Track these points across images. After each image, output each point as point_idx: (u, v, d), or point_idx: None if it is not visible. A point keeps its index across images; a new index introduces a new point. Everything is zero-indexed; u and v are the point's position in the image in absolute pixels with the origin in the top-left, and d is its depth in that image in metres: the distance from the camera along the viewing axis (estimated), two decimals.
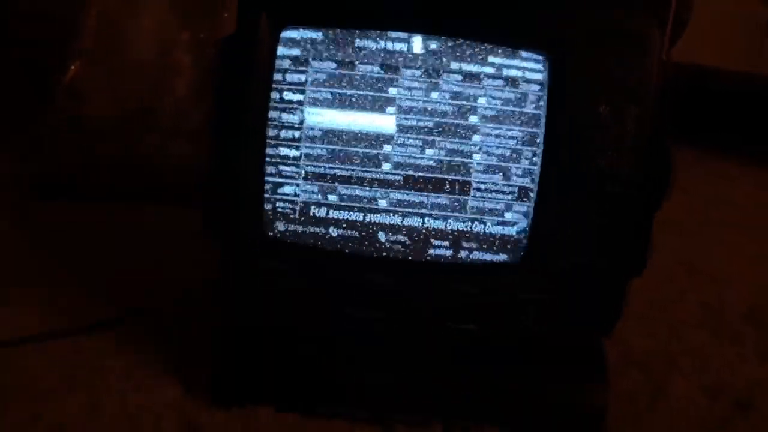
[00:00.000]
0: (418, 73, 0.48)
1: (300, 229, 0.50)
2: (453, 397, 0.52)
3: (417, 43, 0.48)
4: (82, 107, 0.88)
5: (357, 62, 0.48)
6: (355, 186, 0.50)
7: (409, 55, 0.48)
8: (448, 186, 0.49)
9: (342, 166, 0.49)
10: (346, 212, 0.50)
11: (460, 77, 0.49)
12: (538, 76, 0.48)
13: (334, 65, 0.49)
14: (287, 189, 0.50)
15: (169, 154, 0.87)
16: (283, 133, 0.49)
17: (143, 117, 0.87)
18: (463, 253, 0.50)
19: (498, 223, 0.50)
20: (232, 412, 0.51)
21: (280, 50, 0.49)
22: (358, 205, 0.50)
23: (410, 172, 0.49)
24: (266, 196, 0.50)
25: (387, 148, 0.49)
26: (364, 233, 0.50)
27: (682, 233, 0.86)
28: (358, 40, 0.48)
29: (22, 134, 0.91)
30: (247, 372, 0.52)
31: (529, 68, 0.48)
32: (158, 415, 0.51)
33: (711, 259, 0.81)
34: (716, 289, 0.74)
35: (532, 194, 0.49)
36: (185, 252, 0.69)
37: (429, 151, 0.49)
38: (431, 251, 0.50)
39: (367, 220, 0.50)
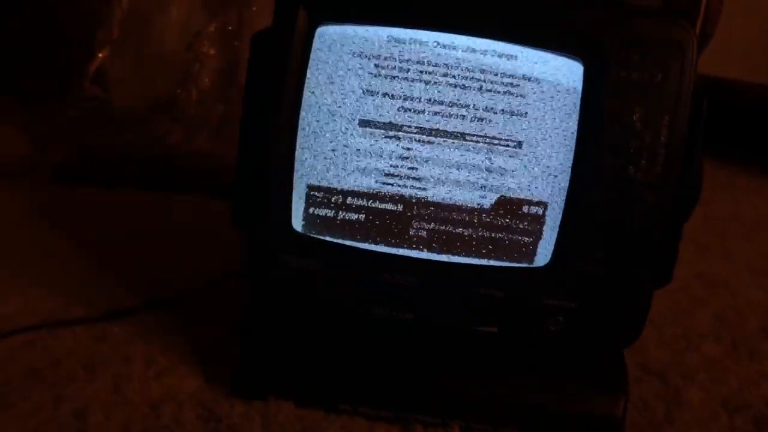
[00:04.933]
0: (454, 74, 0.49)
1: (328, 224, 0.50)
2: (472, 400, 0.52)
3: (455, 43, 0.48)
4: (107, 96, 0.89)
5: (393, 60, 0.49)
6: (388, 181, 0.50)
7: (447, 56, 0.48)
8: (478, 190, 0.50)
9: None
10: (376, 205, 0.50)
11: (495, 79, 0.49)
12: (573, 81, 0.48)
13: (369, 62, 0.49)
14: (318, 184, 0.50)
15: (193, 145, 0.88)
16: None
17: (168, 107, 0.88)
18: (490, 257, 0.50)
19: (527, 228, 0.50)
20: (253, 405, 0.51)
21: (316, 45, 0.49)
22: (386, 206, 0.50)
23: (442, 175, 0.49)
24: (295, 190, 0.50)
25: (419, 147, 0.49)
26: (392, 228, 0.50)
27: (699, 245, 0.86)
28: (395, 37, 0.48)
29: (48, 120, 0.92)
30: (269, 365, 0.52)
31: (563, 73, 0.48)
32: (179, 403, 0.51)
33: (728, 272, 0.81)
34: (733, 302, 0.74)
35: (561, 200, 0.49)
36: (209, 242, 0.70)
37: (457, 152, 0.49)
38: (459, 252, 0.50)
39: (396, 213, 0.50)
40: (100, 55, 0.89)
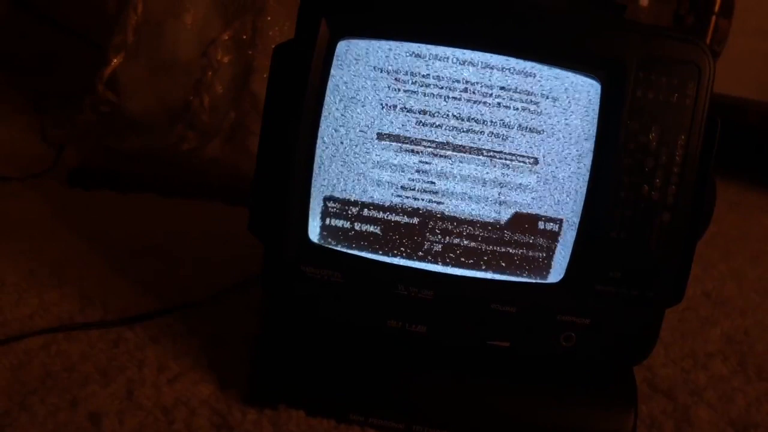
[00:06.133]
0: (473, 90, 0.49)
1: (344, 235, 0.51)
2: (482, 414, 0.52)
3: (474, 59, 0.49)
4: (120, 101, 0.89)
5: (412, 75, 0.49)
6: (405, 194, 0.50)
7: (466, 72, 0.49)
8: (494, 205, 0.50)
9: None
10: (392, 218, 0.51)
11: (513, 96, 0.49)
12: (590, 100, 0.49)
13: (389, 77, 0.49)
14: (335, 195, 0.51)
15: (206, 151, 0.89)
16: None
17: (181, 113, 0.89)
18: (504, 272, 0.51)
19: (541, 244, 0.50)
20: (264, 413, 0.51)
21: (337, 59, 0.49)
22: (402, 219, 0.50)
23: (458, 189, 0.50)
24: (312, 201, 0.50)
25: (436, 161, 0.50)
26: (407, 241, 0.51)
27: (708, 264, 0.86)
28: (415, 53, 0.49)
29: (64, 123, 0.93)
30: (282, 374, 0.52)
31: (581, 92, 0.49)
32: (192, 409, 0.51)
33: (737, 291, 0.81)
34: (742, 321, 0.74)
35: (576, 217, 0.50)
36: (225, 248, 0.70)
37: (474, 167, 0.50)
38: (473, 267, 0.51)
39: (412, 226, 0.51)
40: (115, 60, 0.90)
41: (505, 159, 0.50)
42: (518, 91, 0.49)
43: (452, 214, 0.50)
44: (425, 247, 0.51)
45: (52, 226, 0.77)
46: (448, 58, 0.49)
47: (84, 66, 0.91)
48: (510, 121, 0.49)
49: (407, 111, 0.50)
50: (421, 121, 0.50)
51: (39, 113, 1.02)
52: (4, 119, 1.02)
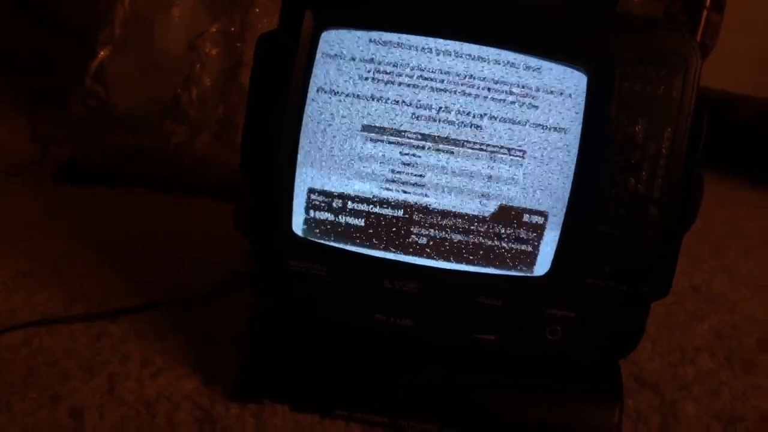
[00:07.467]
0: (459, 82, 0.49)
1: (328, 228, 0.50)
2: (467, 408, 0.52)
3: (460, 51, 0.48)
4: (108, 95, 0.89)
5: (399, 66, 0.49)
6: (390, 186, 0.50)
7: (452, 64, 0.49)
8: (479, 197, 0.50)
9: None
10: (377, 210, 0.50)
11: (499, 88, 0.49)
12: (576, 92, 0.48)
13: (375, 67, 0.49)
14: (319, 188, 0.50)
15: (195, 146, 0.88)
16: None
17: (169, 107, 0.88)
18: (489, 265, 0.50)
19: (527, 237, 0.50)
20: (248, 408, 0.51)
21: (321, 48, 0.49)
22: (387, 211, 0.50)
23: (444, 182, 0.50)
24: (296, 193, 0.50)
25: (422, 153, 0.49)
26: (392, 234, 0.50)
27: (697, 258, 0.86)
28: (402, 44, 0.49)
29: (53, 118, 0.92)
30: (271, 370, 0.52)
31: (567, 84, 0.49)
32: (175, 404, 0.51)
33: (726, 286, 0.81)
34: (730, 316, 0.74)
35: (562, 210, 0.49)
36: (213, 244, 0.70)
37: (460, 159, 0.49)
38: (458, 260, 0.50)
39: (397, 219, 0.50)
40: (102, 53, 0.89)
41: (492, 151, 0.49)
42: (505, 83, 0.49)
43: (438, 207, 0.50)
44: (410, 239, 0.50)
45: (41, 222, 0.77)
46: (434, 49, 0.49)
47: (75, 60, 0.91)
48: (497, 114, 0.49)
49: (394, 102, 0.49)
50: (406, 113, 0.49)
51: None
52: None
